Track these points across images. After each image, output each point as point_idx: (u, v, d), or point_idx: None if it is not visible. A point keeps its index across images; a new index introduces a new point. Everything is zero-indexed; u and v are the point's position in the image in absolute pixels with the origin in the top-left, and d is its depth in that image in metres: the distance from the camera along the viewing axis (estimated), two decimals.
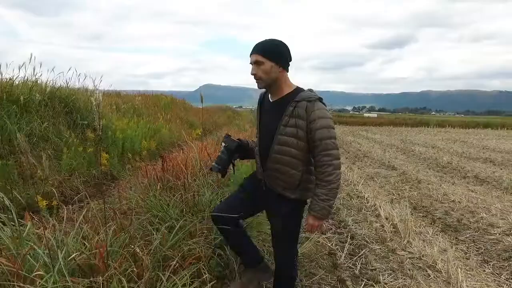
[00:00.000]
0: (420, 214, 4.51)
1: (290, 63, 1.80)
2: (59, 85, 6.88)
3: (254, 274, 2.04)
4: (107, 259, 1.55)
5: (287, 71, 1.80)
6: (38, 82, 6.39)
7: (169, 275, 1.57)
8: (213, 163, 1.93)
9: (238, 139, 2.01)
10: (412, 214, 4.18)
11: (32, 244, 1.57)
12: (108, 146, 6.74)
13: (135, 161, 6.32)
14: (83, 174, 5.31)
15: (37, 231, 1.77)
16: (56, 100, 6.38)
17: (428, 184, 6.23)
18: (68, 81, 7.23)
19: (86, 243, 1.85)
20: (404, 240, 3.43)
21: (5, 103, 5.37)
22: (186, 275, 1.61)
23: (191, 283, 1.61)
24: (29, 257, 1.51)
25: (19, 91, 5.72)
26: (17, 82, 6.04)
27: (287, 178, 1.78)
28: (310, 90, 1.78)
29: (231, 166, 2.00)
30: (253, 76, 1.76)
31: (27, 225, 1.87)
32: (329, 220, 4.12)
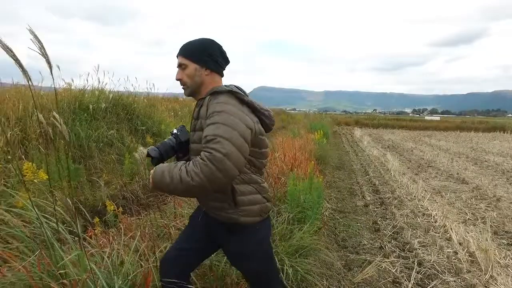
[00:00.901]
0: (503, 241, 3.92)
1: (223, 65, 1.50)
2: (122, 91, 7.34)
3: None
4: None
5: (220, 74, 1.51)
6: (104, 90, 6.85)
7: None
8: (153, 147, 1.49)
9: None
10: (493, 240, 3.66)
11: (93, 266, 1.57)
12: None
13: None
14: (142, 178, 5.54)
15: (96, 251, 1.78)
16: (120, 107, 6.79)
17: (510, 203, 5.47)
18: (130, 87, 7.69)
19: (142, 264, 1.85)
20: (486, 275, 2.97)
21: (78, 111, 5.82)
22: None
23: None
24: (88, 281, 1.51)
25: (88, 100, 6.17)
26: (87, 90, 6.55)
27: (214, 195, 1.41)
28: (229, 85, 1.44)
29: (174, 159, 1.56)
30: (178, 82, 1.49)
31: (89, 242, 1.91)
32: (392, 241, 3.77)
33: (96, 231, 2.37)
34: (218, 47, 1.48)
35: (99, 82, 6.74)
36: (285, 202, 2.88)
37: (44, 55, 1.19)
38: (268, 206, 1.53)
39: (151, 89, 8.54)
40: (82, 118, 5.78)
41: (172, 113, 9.41)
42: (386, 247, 3.55)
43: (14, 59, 1.13)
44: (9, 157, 3.79)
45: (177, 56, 1.48)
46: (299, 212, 2.73)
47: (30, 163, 2.62)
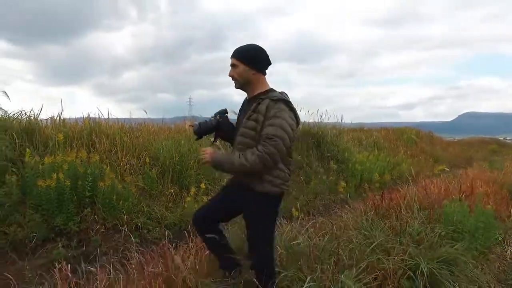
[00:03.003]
0: None
1: (266, 66, 1.92)
2: (312, 122, 8.64)
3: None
4: None
5: (263, 73, 1.92)
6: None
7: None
8: (196, 122, 2.04)
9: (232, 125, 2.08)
10: None
11: None
12: (347, 176, 7.70)
13: (370, 191, 6.86)
14: (324, 198, 6.43)
15: None
16: (309, 136, 8.06)
17: None
18: (319, 119, 8.91)
19: None
20: None
21: None
22: None
23: None
24: None
25: None
26: None
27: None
28: (282, 92, 1.88)
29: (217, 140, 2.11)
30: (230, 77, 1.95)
31: None
32: None
33: None
34: (263, 52, 1.93)
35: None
36: (439, 221, 3.04)
37: None
38: (283, 190, 1.94)
39: (338, 119, 9.55)
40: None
41: (357, 142, 10.01)
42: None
43: None
44: None
45: (231, 57, 1.93)
46: (453, 231, 2.83)
47: None
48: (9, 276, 2.32)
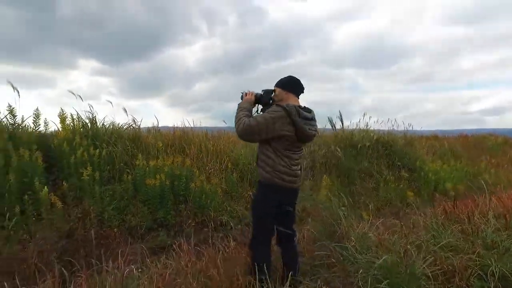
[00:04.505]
0: None
1: (296, 90, 2.46)
2: (383, 129, 8.61)
3: None
4: None
5: (294, 94, 2.46)
6: (368, 131, 8.38)
7: None
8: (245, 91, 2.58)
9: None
10: None
11: None
12: (419, 185, 7.51)
13: (444, 201, 6.64)
14: (394, 206, 6.42)
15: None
16: (380, 144, 8.05)
17: None
18: (390, 126, 8.83)
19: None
20: None
21: (348, 148, 7.62)
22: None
23: None
24: None
25: (356, 140, 7.87)
26: (355, 131, 8.32)
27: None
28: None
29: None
30: None
31: None
32: None
33: None
34: (292, 79, 2.50)
35: (366, 125, 8.39)
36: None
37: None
38: (277, 182, 2.33)
39: (410, 127, 9.36)
40: (351, 153, 7.50)
41: (431, 150, 9.60)
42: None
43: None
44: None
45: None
46: None
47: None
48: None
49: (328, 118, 7.78)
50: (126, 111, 5.37)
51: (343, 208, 3.09)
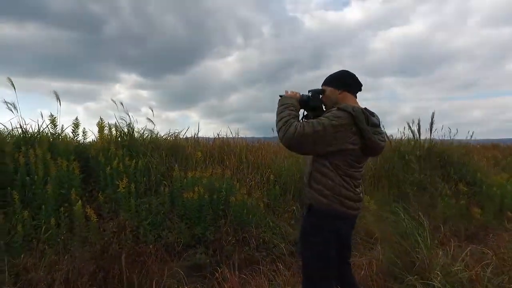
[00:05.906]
0: None
1: (353, 86, 1.97)
2: (435, 139, 7.81)
3: None
4: None
5: (351, 93, 1.97)
6: (418, 140, 7.64)
7: None
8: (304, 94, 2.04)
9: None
10: None
11: None
12: (482, 200, 6.65)
13: None
14: (455, 225, 5.67)
15: None
16: (433, 155, 7.30)
17: None
18: (442, 136, 8.01)
19: None
20: None
21: (396, 158, 6.97)
22: None
23: None
24: None
25: (404, 150, 7.19)
26: (403, 141, 7.63)
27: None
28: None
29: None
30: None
31: None
32: None
33: None
34: (348, 73, 1.99)
35: (413, 135, 7.66)
36: None
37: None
38: (337, 209, 1.81)
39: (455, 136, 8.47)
40: (399, 164, 6.83)
41: (492, 161, 8.64)
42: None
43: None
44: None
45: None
46: None
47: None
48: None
49: None
50: (165, 121, 5.19)
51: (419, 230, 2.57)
